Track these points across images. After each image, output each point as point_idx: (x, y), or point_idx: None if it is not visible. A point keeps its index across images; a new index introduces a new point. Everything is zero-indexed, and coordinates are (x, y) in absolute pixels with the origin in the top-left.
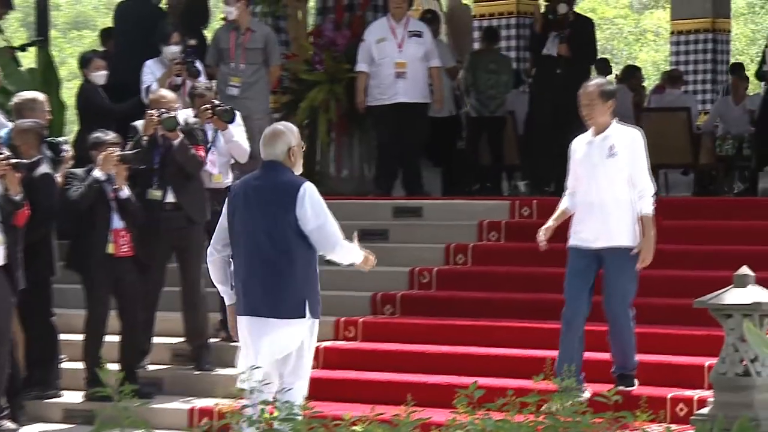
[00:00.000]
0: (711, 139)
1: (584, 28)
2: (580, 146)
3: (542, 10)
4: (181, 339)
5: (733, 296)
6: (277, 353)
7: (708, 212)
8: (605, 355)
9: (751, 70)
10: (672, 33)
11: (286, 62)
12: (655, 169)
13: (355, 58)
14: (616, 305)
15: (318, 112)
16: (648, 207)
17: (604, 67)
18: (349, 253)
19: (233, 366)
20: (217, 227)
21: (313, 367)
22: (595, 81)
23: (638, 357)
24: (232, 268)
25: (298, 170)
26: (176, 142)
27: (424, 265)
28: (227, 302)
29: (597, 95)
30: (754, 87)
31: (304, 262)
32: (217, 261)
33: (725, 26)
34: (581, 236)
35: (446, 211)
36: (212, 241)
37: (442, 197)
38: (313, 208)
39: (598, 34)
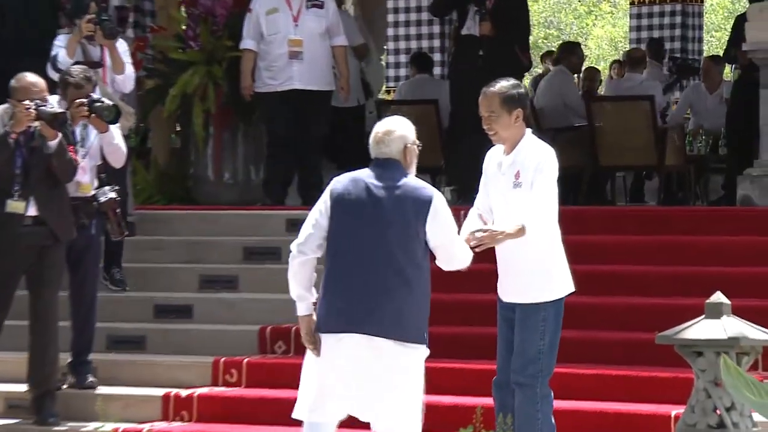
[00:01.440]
0: (680, 135)
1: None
2: (491, 163)
3: None
4: (22, 385)
5: (704, 329)
6: (385, 382)
7: (675, 225)
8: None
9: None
10: (632, 3)
11: (152, 37)
12: (611, 171)
13: (239, 33)
14: (516, 374)
15: (192, 101)
16: (528, 219)
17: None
18: (468, 258)
19: (84, 420)
20: (309, 224)
21: (185, 420)
22: (500, 83)
23: (589, 404)
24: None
25: (413, 172)
26: (54, 142)
27: None
28: (304, 312)
29: (498, 102)
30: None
31: (425, 280)
32: (308, 263)
33: None
34: (499, 287)
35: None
36: (302, 239)
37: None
38: (446, 220)
39: (540, 5)
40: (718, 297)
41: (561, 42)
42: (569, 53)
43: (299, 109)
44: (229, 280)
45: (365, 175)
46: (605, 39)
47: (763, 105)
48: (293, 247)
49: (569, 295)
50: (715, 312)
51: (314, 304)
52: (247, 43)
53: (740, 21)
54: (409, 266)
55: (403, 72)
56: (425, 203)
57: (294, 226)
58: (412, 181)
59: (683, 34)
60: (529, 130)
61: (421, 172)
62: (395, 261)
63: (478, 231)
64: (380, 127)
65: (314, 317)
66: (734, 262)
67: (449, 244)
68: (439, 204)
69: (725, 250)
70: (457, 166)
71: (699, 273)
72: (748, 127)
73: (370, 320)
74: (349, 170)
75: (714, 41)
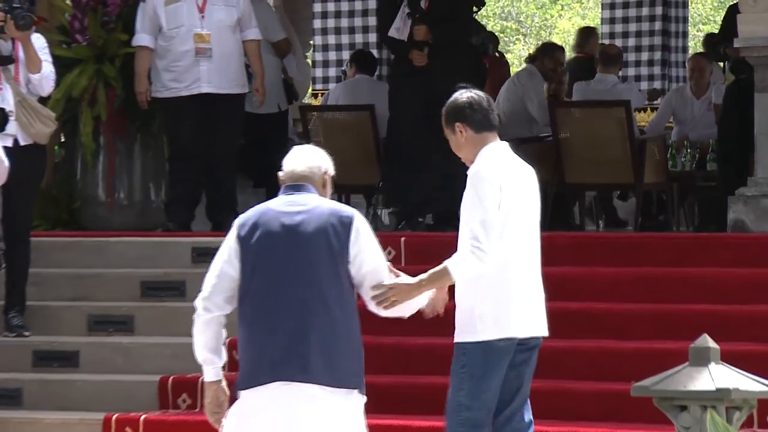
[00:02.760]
0: (661, 147)
1: None
2: None
3: None
4: None
5: (688, 379)
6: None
7: (655, 255)
8: None
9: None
10: None
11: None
12: (580, 190)
13: (134, 25)
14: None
15: (79, 106)
16: (453, 261)
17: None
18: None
19: None
20: (213, 275)
21: None
22: (455, 94)
23: None
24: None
25: (328, 197)
26: None
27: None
28: (211, 378)
29: (444, 123)
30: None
31: (355, 317)
32: (213, 321)
33: None
34: None
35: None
36: (206, 293)
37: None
38: (371, 242)
39: None
40: (705, 340)
41: (545, 42)
42: (544, 54)
43: (208, 116)
44: (123, 321)
45: (274, 204)
46: (573, 33)
47: (758, 111)
48: (197, 303)
49: (510, 340)
50: (702, 358)
51: (223, 368)
52: (142, 38)
53: (732, 12)
54: (335, 301)
55: (332, 72)
56: (346, 224)
57: (202, 256)
58: (327, 202)
59: (665, 27)
60: (491, 146)
61: (354, 192)
62: (319, 297)
63: (378, 285)
64: (300, 152)
65: (224, 384)
66: (724, 299)
67: (379, 270)
68: (361, 224)
69: (714, 284)
70: (396, 183)
71: (683, 312)
72: (742, 138)
73: (294, 365)
74: (270, 190)
75: (701, 36)
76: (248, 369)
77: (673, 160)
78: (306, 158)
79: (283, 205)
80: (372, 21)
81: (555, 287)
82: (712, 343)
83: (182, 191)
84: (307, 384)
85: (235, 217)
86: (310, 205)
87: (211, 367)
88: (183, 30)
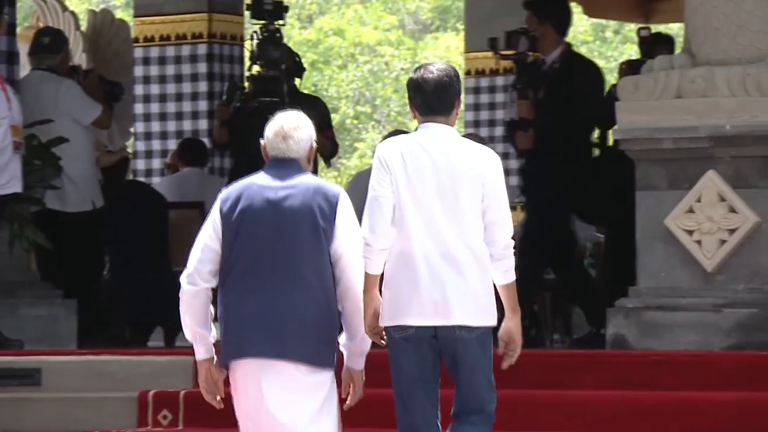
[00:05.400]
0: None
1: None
2: None
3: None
4: None
5: None
6: (301, 409)
7: (525, 375)
8: None
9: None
10: (467, 73)
11: None
12: None
13: None
14: None
15: None
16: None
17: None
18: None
19: None
20: (198, 249)
21: None
22: None
23: None
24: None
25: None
26: None
27: None
28: (203, 355)
29: None
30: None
31: (333, 293)
32: (198, 295)
33: None
34: None
35: (84, 374)
36: (191, 268)
37: (75, 351)
38: (353, 223)
39: (350, 73)
40: None
41: (395, 129)
42: None
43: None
44: None
45: (258, 179)
46: None
47: (639, 214)
48: (182, 278)
49: (404, 328)
50: None
51: (215, 344)
52: None
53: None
54: (316, 278)
55: (156, 164)
56: (332, 202)
57: None
58: (313, 179)
59: None
60: (394, 139)
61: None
62: (300, 273)
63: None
64: (286, 121)
65: (215, 361)
66: (603, 427)
67: (358, 256)
68: (347, 203)
69: (593, 409)
70: None
71: None
72: (626, 241)
73: (271, 343)
74: (83, 301)
75: None
76: (227, 344)
77: None
78: (291, 130)
79: (267, 180)
80: (203, 106)
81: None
82: None
83: None
84: (283, 361)
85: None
86: (296, 181)
87: (202, 344)
88: None
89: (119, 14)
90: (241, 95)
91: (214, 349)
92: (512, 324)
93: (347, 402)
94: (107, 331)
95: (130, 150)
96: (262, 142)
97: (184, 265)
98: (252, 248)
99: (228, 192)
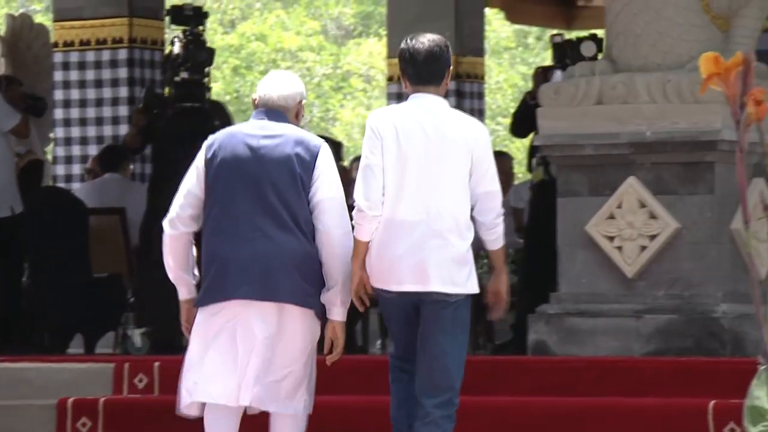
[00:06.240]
0: None
1: None
2: None
3: None
4: None
5: None
6: (290, 350)
7: None
8: None
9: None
10: (390, 79)
11: None
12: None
13: None
14: None
15: None
16: None
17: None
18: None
19: None
20: (181, 194)
21: None
22: None
23: None
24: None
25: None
26: None
27: None
28: (185, 296)
29: None
30: (527, 171)
31: (313, 240)
32: (180, 238)
33: (475, 69)
34: None
35: (2, 382)
36: (173, 213)
37: None
38: (334, 174)
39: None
40: None
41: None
42: None
43: None
44: None
45: (244, 127)
46: (357, 125)
47: (560, 220)
48: (165, 223)
49: (387, 291)
50: None
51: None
52: None
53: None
54: (295, 224)
55: (76, 169)
56: (313, 153)
57: None
58: (297, 130)
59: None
60: (385, 108)
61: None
62: (280, 219)
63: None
64: (278, 74)
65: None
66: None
67: (335, 201)
68: (327, 155)
69: (513, 415)
70: (149, 300)
71: None
72: (548, 246)
73: (252, 285)
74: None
75: (501, 130)
76: (208, 287)
77: None
78: (282, 86)
79: (252, 129)
80: (123, 111)
81: (335, 419)
82: None
83: None
84: (269, 302)
85: None
86: (279, 131)
87: (184, 285)
88: None
89: (39, 19)
90: (159, 101)
91: (195, 291)
92: (500, 280)
93: (329, 357)
94: (26, 338)
95: (49, 156)
96: (253, 96)
97: (105, 271)
98: (233, 193)
99: (213, 139)
